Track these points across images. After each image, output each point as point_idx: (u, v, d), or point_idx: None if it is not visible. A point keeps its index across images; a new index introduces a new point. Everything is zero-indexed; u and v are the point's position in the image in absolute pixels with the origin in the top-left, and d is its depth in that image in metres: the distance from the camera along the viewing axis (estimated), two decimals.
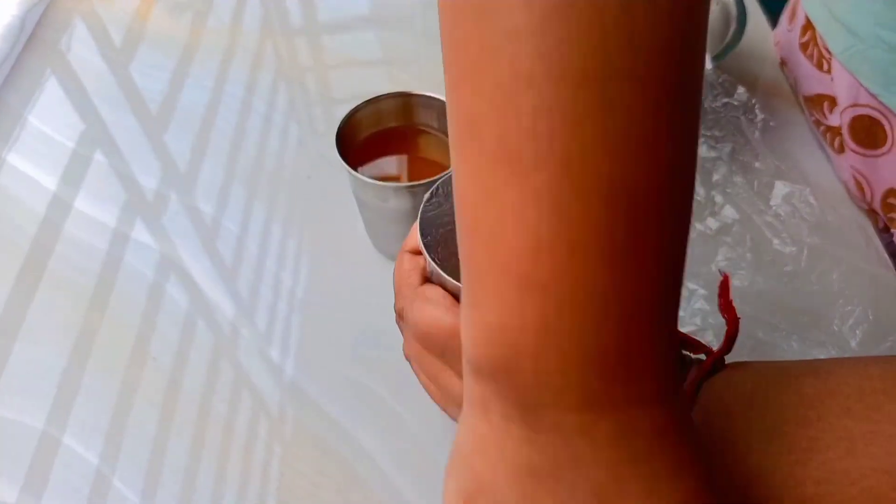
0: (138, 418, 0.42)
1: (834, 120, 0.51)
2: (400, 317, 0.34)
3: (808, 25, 0.53)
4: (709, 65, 0.50)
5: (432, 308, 0.32)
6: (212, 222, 0.52)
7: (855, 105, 0.48)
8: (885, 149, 0.47)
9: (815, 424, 0.27)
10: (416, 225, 0.33)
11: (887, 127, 0.46)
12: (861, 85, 0.47)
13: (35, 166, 0.56)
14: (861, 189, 0.50)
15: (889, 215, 0.49)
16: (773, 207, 0.50)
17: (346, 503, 0.39)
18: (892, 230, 0.49)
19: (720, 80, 0.52)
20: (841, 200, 0.51)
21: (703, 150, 0.53)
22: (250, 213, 0.53)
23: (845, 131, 0.50)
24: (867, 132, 0.48)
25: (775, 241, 0.49)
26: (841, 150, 0.51)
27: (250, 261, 0.50)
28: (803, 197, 0.51)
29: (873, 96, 0.46)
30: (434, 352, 0.32)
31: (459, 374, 0.31)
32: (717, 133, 0.53)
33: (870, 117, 0.47)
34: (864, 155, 0.49)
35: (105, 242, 0.51)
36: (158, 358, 0.44)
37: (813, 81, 0.53)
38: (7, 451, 0.41)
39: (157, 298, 0.47)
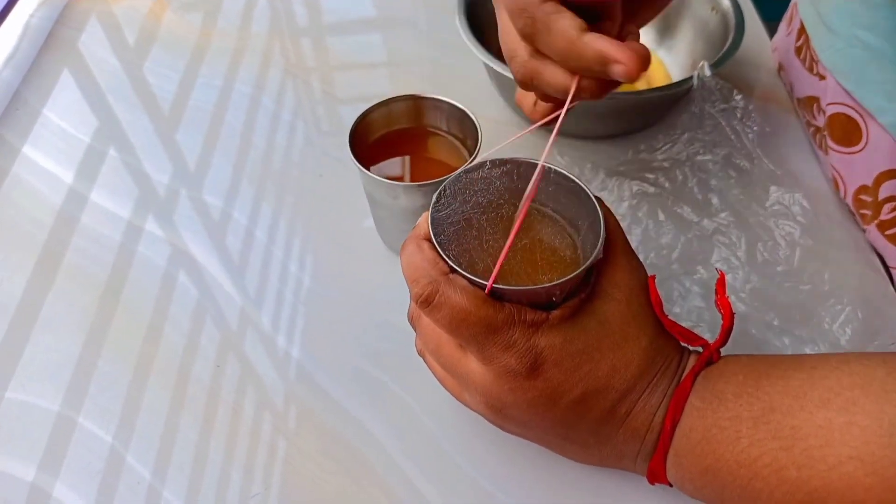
0: (151, 401, 0.43)
1: (820, 120, 0.52)
2: (426, 303, 0.32)
3: (803, 30, 0.54)
4: (707, 72, 0.52)
5: (463, 298, 0.31)
6: (221, 216, 0.53)
7: (833, 103, 0.49)
8: (859, 146, 0.48)
9: (798, 414, 0.29)
10: (426, 216, 0.34)
11: (862, 125, 0.47)
12: (839, 83, 0.48)
13: (52, 160, 0.57)
14: (837, 186, 0.51)
15: (861, 211, 0.50)
16: (767, 209, 0.51)
17: (352, 485, 0.40)
18: (865, 227, 0.50)
19: (718, 86, 0.53)
20: (832, 203, 0.52)
21: (700, 154, 0.54)
22: (259, 208, 0.53)
23: (825, 129, 0.51)
24: (844, 130, 0.49)
25: (769, 242, 0.50)
26: (826, 150, 0.52)
27: (259, 253, 0.50)
28: (796, 200, 0.51)
29: (849, 94, 0.47)
30: (459, 338, 0.32)
31: (479, 361, 0.32)
32: (714, 138, 0.54)
33: (847, 116, 0.48)
34: (841, 153, 0.50)
35: (119, 234, 0.52)
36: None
37: (805, 84, 0.54)
38: (25, 433, 0.42)
39: (169, 288, 0.48)
